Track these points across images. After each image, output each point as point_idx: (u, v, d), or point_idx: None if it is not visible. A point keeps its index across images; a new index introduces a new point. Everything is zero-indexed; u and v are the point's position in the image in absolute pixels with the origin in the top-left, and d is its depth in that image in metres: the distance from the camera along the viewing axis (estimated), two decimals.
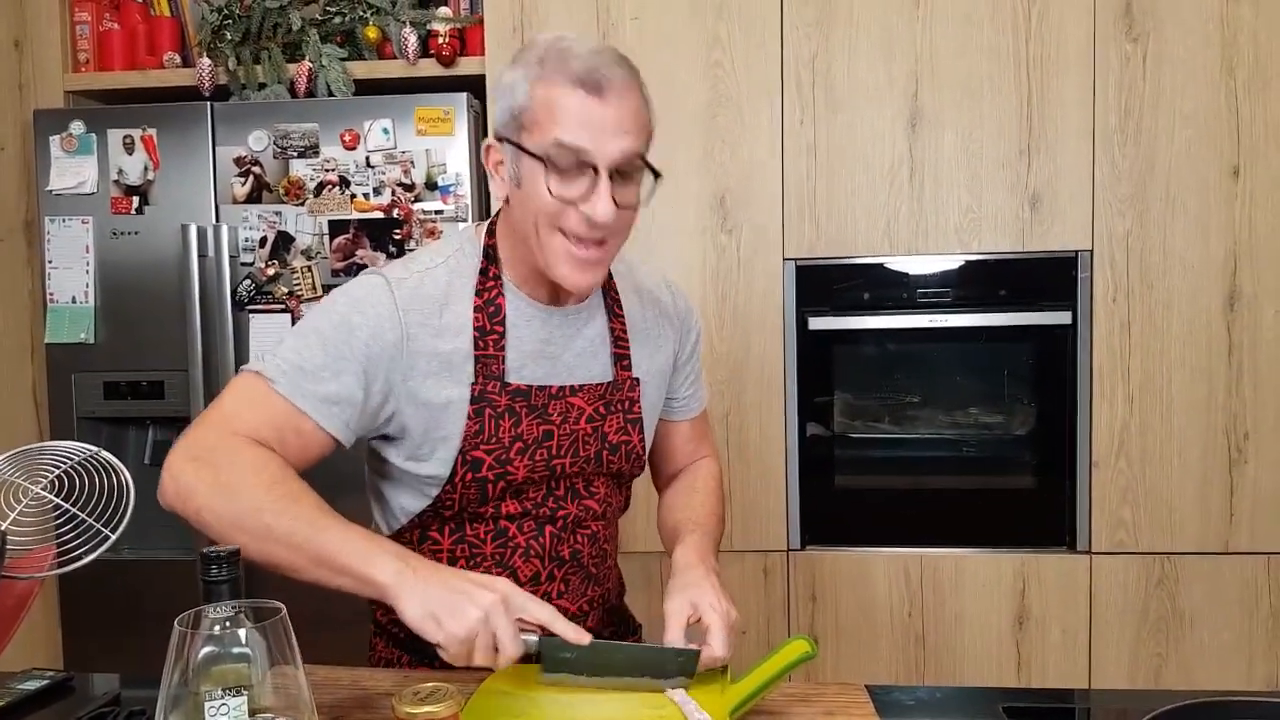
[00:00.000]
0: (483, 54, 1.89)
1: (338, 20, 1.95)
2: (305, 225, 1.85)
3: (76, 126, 1.88)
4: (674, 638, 0.83)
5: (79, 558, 0.78)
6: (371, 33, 1.94)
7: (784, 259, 1.83)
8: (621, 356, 0.98)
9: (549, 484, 0.94)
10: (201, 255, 1.84)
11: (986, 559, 1.81)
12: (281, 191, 1.85)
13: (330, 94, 1.91)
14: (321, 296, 1.83)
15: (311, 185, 1.84)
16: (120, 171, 1.88)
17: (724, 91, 1.81)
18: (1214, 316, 1.76)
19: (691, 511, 1.02)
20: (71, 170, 1.88)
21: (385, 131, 1.83)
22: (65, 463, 0.81)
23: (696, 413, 1.11)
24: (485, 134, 1.77)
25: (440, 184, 1.83)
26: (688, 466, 1.12)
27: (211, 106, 1.86)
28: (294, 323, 1.83)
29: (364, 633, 1.04)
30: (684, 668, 0.81)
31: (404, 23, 1.92)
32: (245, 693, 0.57)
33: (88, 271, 1.89)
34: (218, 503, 0.79)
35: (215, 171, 1.86)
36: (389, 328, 0.87)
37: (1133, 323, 1.77)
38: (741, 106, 1.81)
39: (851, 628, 1.84)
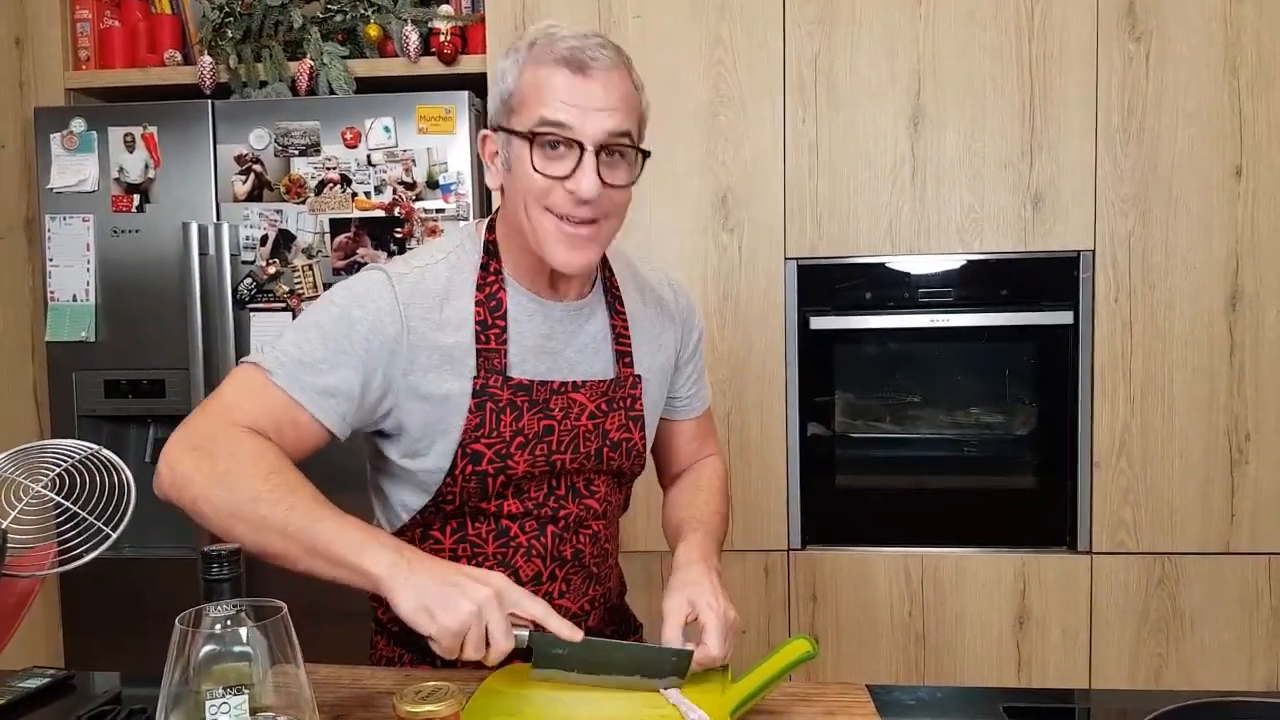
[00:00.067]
0: (484, 52, 1.89)
1: (339, 18, 1.95)
2: (306, 223, 1.85)
3: (77, 124, 1.88)
4: (671, 636, 0.83)
5: (80, 556, 0.78)
6: (373, 31, 1.94)
7: (785, 258, 1.82)
8: (623, 353, 0.98)
9: (550, 482, 0.94)
10: (202, 253, 1.84)
11: (987, 559, 1.81)
12: (282, 190, 1.85)
13: (331, 92, 1.91)
14: (322, 294, 1.83)
15: (312, 183, 1.84)
16: (121, 169, 1.88)
17: (725, 90, 1.81)
18: (1216, 317, 1.75)
19: (695, 510, 1.02)
20: (72, 168, 1.88)
21: (386, 130, 1.82)
22: (66, 461, 0.81)
23: (700, 411, 1.11)
24: None
25: (441, 182, 1.83)
26: (693, 465, 1.12)
27: (212, 104, 1.86)
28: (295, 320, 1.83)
29: (365, 631, 1.04)
30: (676, 668, 0.81)
31: (405, 21, 1.92)
32: (246, 691, 0.57)
33: (88, 269, 1.89)
34: (215, 492, 0.79)
35: (216, 170, 1.86)
36: (389, 322, 0.88)
37: (1134, 323, 1.77)
38: (743, 105, 1.81)
39: (852, 627, 1.84)
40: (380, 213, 1.83)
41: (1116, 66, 1.74)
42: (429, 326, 0.89)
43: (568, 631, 0.77)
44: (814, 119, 1.80)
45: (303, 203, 1.84)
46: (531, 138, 0.84)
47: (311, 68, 1.91)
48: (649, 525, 1.75)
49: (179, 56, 1.99)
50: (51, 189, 1.88)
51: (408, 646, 0.99)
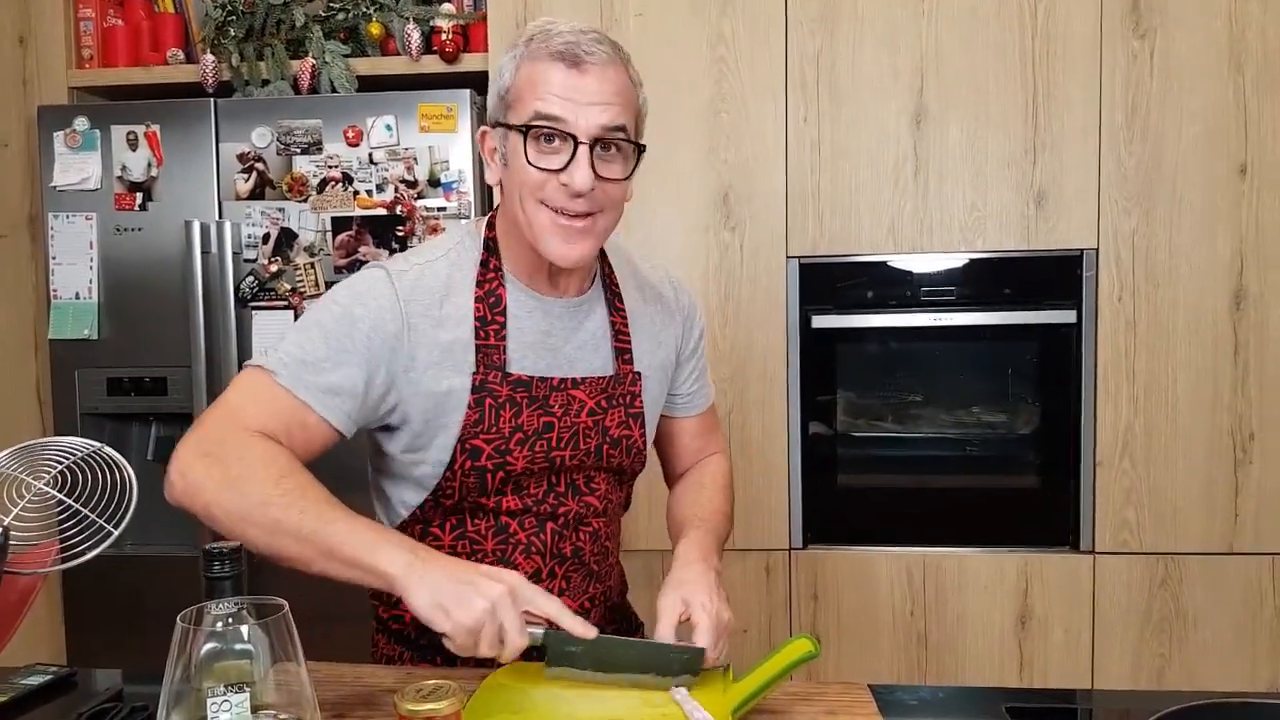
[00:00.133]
0: (486, 50, 1.89)
1: (341, 16, 1.95)
2: (308, 222, 1.85)
3: (80, 123, 1.88)
4: (664, 634, 0.83)
5: (82, 553, 0.78)
6: (375, 29, 1.94)
7: (787, 256, 1.82)
8: (623, 350, 0.98)
9: (549, 478, 0.94)
10: (204, 251, 1.84)
11: (989, 558, 1.81)
12: (284, 188, 1.85)
13: (333, 90, 1.91)
14: (324, 293, 1.83)
15: (314, 182, 1.84)
16: (124, 168, 1.88)
17: (727, 88, 1.81)
18: (1220, 316, 1.75)
19: (698, 508, 1.02)
20: (75, 166, 1.88)
21: (388, 128, 1.82)
22: (68, 458, 0.81)
23: (703, 408, 1.11)
24: None
25: (443, 181, 1.83)
26: (697, 463, 1.12)
27: (215, 103, 1.86)
28: (296, 319, 1.83)
29: (366, 629, 1.04)
30: (689, 666, 0.81)
31: (407, 19, 1.92)
32: (247, 689, 0.57)
33: (91, 267, 1.89)
34: (227, 498, 0.79)
35: (218, 168, 1.86)
36: (390, 319, 0.88)
37: (1138, 322, 1.76)
38: (745, 103, 1.80)
39: (853, 627, 1.84)
40: (382, 211, 1.83)
41: (1120, 63, 1.73)
42: (429, 323, 0.89)
43: (581, 629, 0.78)
44: (816, 117, 1.80)
45: (305, 201, 1.85)
46: (526, 131, 0.84)
47: (313, 66, 1.91)
48: (650, 524, 1.74)
49: (182, 55, 1.99)
50: (55, 187, 1.89)
51: (408, 645, 0.99)
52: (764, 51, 1.79)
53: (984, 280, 1.80)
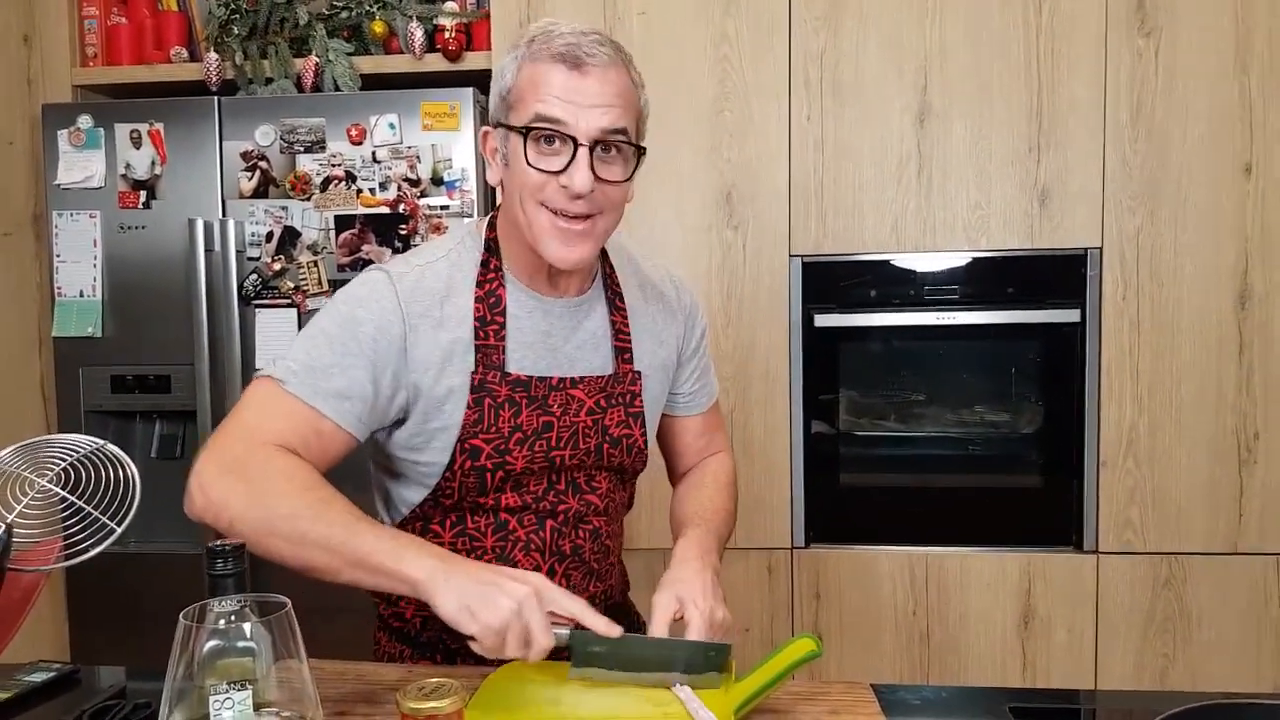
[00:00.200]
0: (489, 48, 1.88)
1: (344, 15, 1.95)
2: (311, 220, 1.85)
3: (84, 121, 1.88)
4: (657, 632, 0.83)
5: (85, 551, 0.78)
6: (378, 27, 1.94)
7: (790, 255, 1.82)
8: (623, 349, 0.98)
9: (549, 477, 0.95)
10: (208, 250, 1.84)
11: (992, 558, 1.81)
12: (288, 186, 1.85)
13: (337, 89, 1.91)
14: (327, 291, 1.84)
15: (318, 180, 1.84)
16: (128, 166, 1.88)
17: (731, 87, 1.80)
18: (1225, 315, 1.74)
19: (699, 506, 1.02)
20: (79, 164, 1.89)
21: (391, 126, 1.82)
22: (71, 456, 0.81)
23: (705, 408, 1.11)
24: None
25: (446, 179, 1.83)
26: (700, 462, 1.12)
27: (218, 101, 1.86)
28: (300, 317, 1.84)
29: (368, 626, 1.04)
30: (714, 662, 0.81)
31: (410, 17, 1.92)
32: (250, 687, 0.57)
33: (95, 265, 1.90)
34: (252, 513, 0.80)
35: (222, 166, 1.86)
36: (393, 321, 0.88)
37: (1142, 321, 1.76)
38: (748, 102, 1.80)
39: (855, 626, 1.83)
40: (385, 209, 1.83)
41: (1125, 62, 1.73)
42: (430, 324, 0.89)
43: (604, 627, 0.78)
44: (819, 115, 1.79)
45: (308, 199, 1.85)
46: (526, 132, 0.85)
47: (317, 64, 1.91)
48: (652, 522, 1.74)
49: (185, 53, 1.99)
50: (59, 185, 1.89)
51: (410, 642, 0.99)
52: (767, 50, 1.79)
53: (987, 279, 1.80)
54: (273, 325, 1.85)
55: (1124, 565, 1.78)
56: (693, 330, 1.07)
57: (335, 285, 1.83)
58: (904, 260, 1.81)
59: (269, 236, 1.86)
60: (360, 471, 1.01)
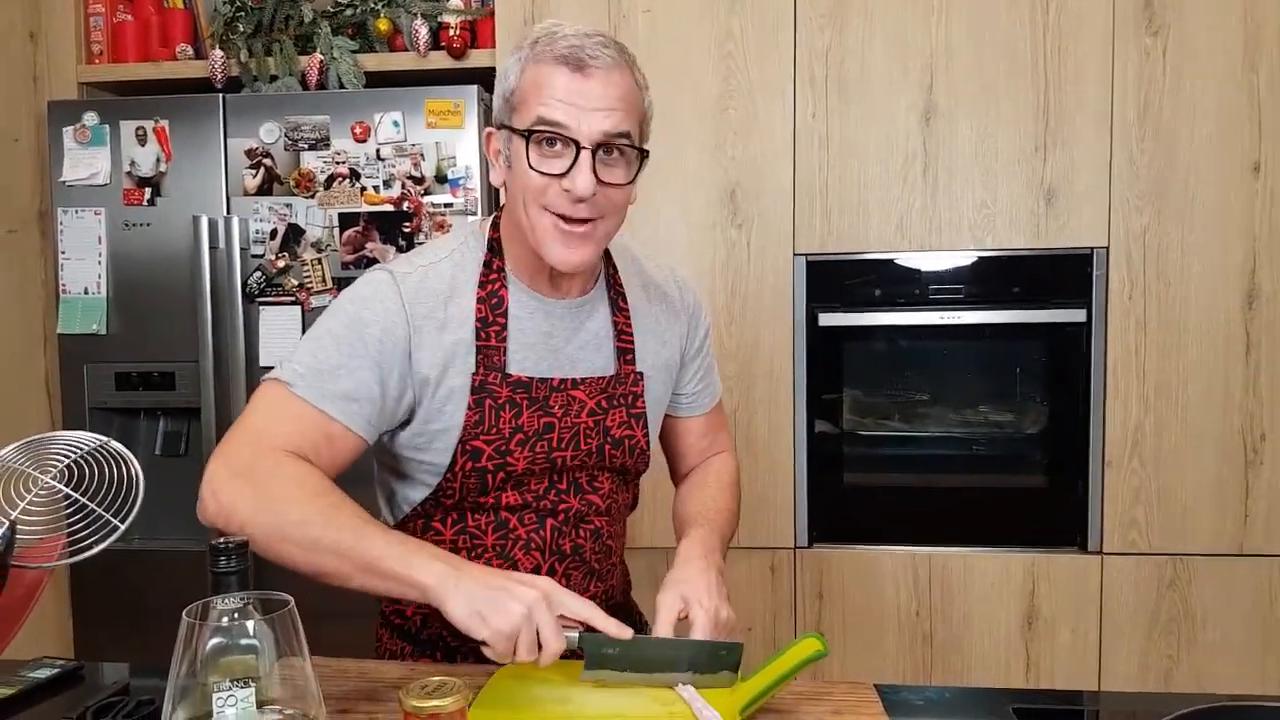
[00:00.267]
0: (493, 46, 1.88)
1: (349, 12, 1.95)
2: (315, 218, 1.85)
3: (90, 118, 1.89)
4: (662, 631, 0.83)
5: (89, 548, 0.78)
6: (383, 25, 1.94)
7: (794, 254, 1.81)
8: (625, 350, 0.97)
9: (551, 477, 0.95)
10: (212, 247, 1.84)
11: (996, 558, 1.80)
12: (292, 184, 1.85)
13: (341, 86, 1.91)
14: (331, 289, 1.84)
15: (322, 178, 1.84)
16: (133, 163, 1.88)
17: (735, 84, 1.80)
18: (1232, 315, 1.73)
19: (702, 506, 1.02)
20: (84, 161, 1.89)
21: (395, 124, 1.82)
22: (75, 452, 0.81)
23: (708, 408, 1.11)
24: None
25: (450, 177, 1.82)
26: (704, 461, 1.11)
27: (223, 98, 1.87)
28: (304, 315, 1.84)
29: (370, 625, 1.04)
30: (727, 662, 0.81)
31: (415, 15, 1.91)
32: (253, 684, 0.57)
33: (100, 262, 1.90)
34: (263, 519, 0.80)
35: (227, 163, 1.86)
36: (398, 322, 0.88)
37: (1149, 321, 1.75)
38: (753, 100, 1.80)
39: (859, 626, 1.83)
40: (389, 207, 1.83)
41: (1133, 61, 1.72)
42: (433, 325, 0.89)
43: (615, 629, 0.78)
44: (824, 113, 1.79)
45: (312, 197, 1.85)
46: (528, 135, 0.84)
47: (321, 62, 1.91)
48: (654, 522, 1.74)
49: (190, 51, 1.99)
50: (64, 182, 1.89)
51: (412, 640, 0.99)
52: (772, 48, 1.79)
53: (993, 278, 1.79)
54: (277, 323, 1.85)
55: (1129, 566, 1.77)
56: (696, 330, 1.07)
57: (339, 283, 1.84)
58: (909, 259, 1.80)
59: (273, 234, 1.86)
60: (361, 469, 1.01)
